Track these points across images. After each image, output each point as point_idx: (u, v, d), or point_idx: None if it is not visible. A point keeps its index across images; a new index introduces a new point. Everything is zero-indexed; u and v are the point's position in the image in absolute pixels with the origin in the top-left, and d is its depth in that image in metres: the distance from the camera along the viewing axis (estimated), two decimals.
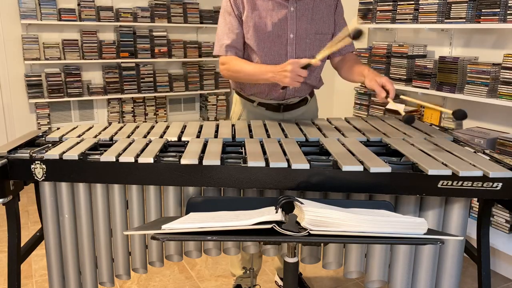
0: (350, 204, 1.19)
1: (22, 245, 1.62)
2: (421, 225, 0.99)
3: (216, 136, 1.64)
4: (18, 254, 1.57)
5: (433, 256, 1.45)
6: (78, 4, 4.15)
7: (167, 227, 1.00)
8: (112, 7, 4.27)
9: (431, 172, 1.26)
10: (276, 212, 1.02)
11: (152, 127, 1.79)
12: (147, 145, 1.53)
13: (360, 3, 3.27)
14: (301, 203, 1.05)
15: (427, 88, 2.86)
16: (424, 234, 0.98)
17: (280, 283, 2.35)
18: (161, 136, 1.65)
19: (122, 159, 1.40)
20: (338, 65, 1.93)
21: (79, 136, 1.66)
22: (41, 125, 4.23)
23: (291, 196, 1.12)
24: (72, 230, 1.54)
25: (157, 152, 1.45)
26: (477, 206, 2.36)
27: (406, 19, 2.96)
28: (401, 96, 1.61)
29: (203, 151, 1.46)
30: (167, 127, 1.78)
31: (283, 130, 1.72)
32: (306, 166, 1.32)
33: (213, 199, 1.36)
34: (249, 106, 1.95)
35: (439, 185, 1.30)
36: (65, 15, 4.06)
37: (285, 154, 1.42)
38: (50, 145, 1.58)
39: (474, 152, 1.47)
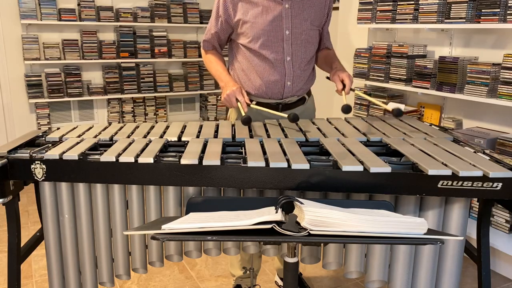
0: (350, 204, 1.19)
1: (22, 245, 1.62)
2: (421, 225, 0.99)
3: (216, 136, 1.64)
4: (18, 254, 1.57)
5: (433, 256, 1.45)
6: (78, 4, 4.15)
7: (167, 227, 1.00)
8: (112, 7, 4.27)
9: (431, 172, 1.26)
10: (276, 212, 1.02)
11: (152, 127, 1.79)
12: (147, 145, 1.53)
13: (360, 3, 3.27)
14: (301, 203, 1.05)
15: (427, 88, 2.86)
16: (424, 234, 0.98)
17: (280, 283, 2.35)
18: (161, 136, 1.65)
19: (122, 159, 1.40)
20: (316, 54, 2.05)
21: (79, 136, 1.66)
22: (41, 125, 4.23)
23: (291, 196, 1.12)
24: (72, 230, 1.54)
25: (157, 152, 1.44)
26: (477, 206, 2.36)
27: (406, 19, 2.96)
28: (356, 91, 1.79)
29: (203, 151, 1.46)
30: (167, 127, 1.78)
31: (283, 130, 1.72)
32: (306, 166, 1.32)
33: (213, 199, 1.36)
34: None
35: (439, 185, 1.30)
36: (65, 15, 4.06)
37: (285, 154, 1.42)
38: (50, 145, 1.58)
39: (474, 152, 1.47)
